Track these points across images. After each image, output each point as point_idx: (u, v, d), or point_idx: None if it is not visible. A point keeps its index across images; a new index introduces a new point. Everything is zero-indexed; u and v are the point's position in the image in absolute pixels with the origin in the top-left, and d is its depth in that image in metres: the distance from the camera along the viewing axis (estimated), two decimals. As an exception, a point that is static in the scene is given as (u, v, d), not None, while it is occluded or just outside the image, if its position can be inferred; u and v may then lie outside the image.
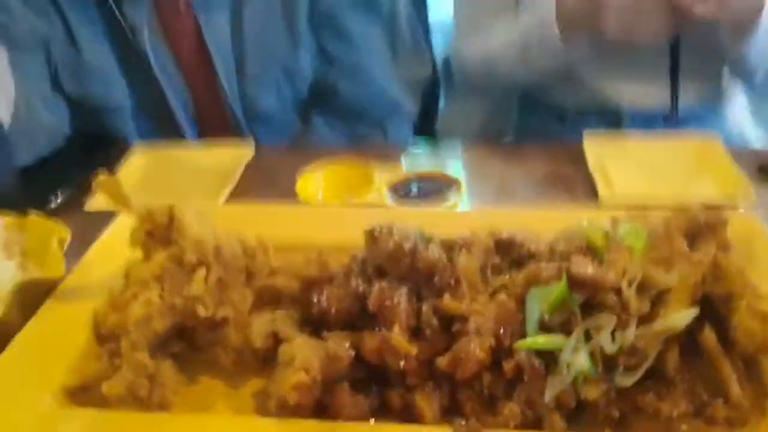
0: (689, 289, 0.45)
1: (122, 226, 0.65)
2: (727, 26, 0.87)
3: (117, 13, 0.91)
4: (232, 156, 0.86)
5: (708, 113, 1.09)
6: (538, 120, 1.14)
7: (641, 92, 1.01)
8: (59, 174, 0.86)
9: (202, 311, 0.50)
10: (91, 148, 0.95)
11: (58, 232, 0.63)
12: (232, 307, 0.52)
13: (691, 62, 0.97)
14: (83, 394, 0.50)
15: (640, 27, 0.86)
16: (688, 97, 1.02)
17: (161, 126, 0.98)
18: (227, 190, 0.79)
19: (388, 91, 1.04)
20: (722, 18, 0.84)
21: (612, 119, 1.06)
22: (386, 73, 1.03)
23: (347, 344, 0.48)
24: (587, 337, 0.44)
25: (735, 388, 0.45)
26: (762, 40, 0.87)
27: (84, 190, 0.83)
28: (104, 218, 0.74)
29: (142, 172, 0.85)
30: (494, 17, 1.06)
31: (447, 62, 1.26)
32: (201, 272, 0.50)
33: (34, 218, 0.65)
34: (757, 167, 0.79)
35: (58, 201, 0.82)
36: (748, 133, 1.14)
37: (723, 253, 0.51)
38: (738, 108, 1.16)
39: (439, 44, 1.72)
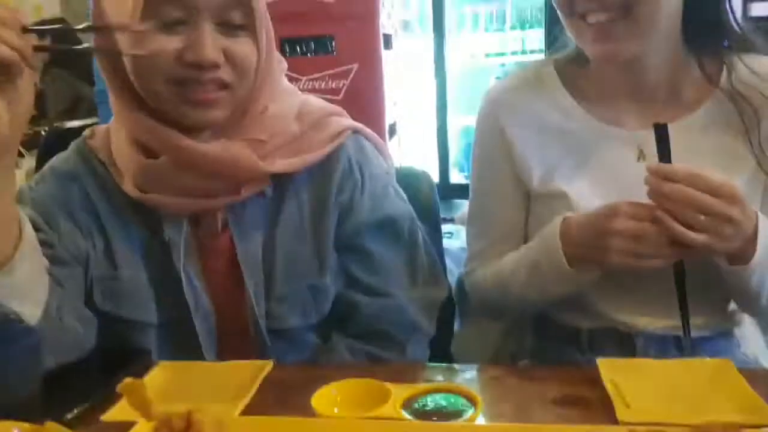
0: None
1: (137, 436, 0.66)
2: (723, 253, 0.92)
3: (156, 231, 0.99)
4: (250, 371, 0.87)
5: (719, 339, 1.10)
6: (553, 343, 1.16)
7: (651, 319, 1.04)
8: (78, 385, 0.87)
9: None
10: (110, 361, 0.96)
11: (74, 441, 0.63)
12: None
13: (697, 290, 1.01)
14: None
15: (642, 254, 0.92)
16: (697, 323, 1.05)
17: (182, 345, 1.00)
18: (243, 404, 0.80)
19: (407, 313, 1.07)
20: (718, 246, 0.89)
21: (626, 343, 1.08)
22: (405, 295, 1.07)
23: None
24: None
25: None
26: (759, 267, 0.92)
27: (101, 403, 0.85)
28: (120, 429, 0.75)
29: (161, 387, 0.85)
30: (507, 249, 1.13)
31: (460, 286, 1.31)
32: (215, 482, 0.50)
33: (51, 427, 0.66)
34: (775, 390, 0.79)
35: (75, 412, 0.82)
36: (762, 359, 1.14)
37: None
38: (750, 334, 1.18)
39: (453, 269, 1.80)
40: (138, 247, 1.00)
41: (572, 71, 1.13)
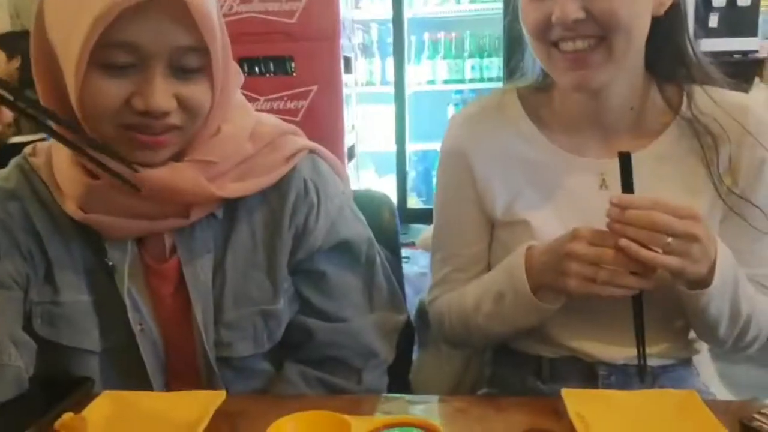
0: None
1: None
2: (691, 277, 0.91)
3: (100, 254, 0.94)
4: (202, 403, 0.83)
5: (679, 367, 1.10)
6: (514, 371, 1.14)
7: (612, 348, 1.03)
8: (14, 416, 0.81)
9: None
10: (50, 389, 0.90)
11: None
12: None
13: (658, 319, 1.00)
14: None
15: (600, 281, 0.90)
16: (656, 354, 1.05)
17: (127, 373, 0.95)
18: (194, 439, 0.75)
19: (363, 338, 1.03)
20: (689, 268, 0.89)
21: (588, 373, 1.07)
22: (362, 320, 1.04)
23: None
24: None
25: None
26: (719, 290, 0.92)
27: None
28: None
29: (105, 419, 0.80)
30: (470, 276, 1.11)
31: (420, 312, 1.29)
32: None
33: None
34: (738, 422, 0.78)
35: (10, 447, 0.76)
36: (712, 387, 1.14)
37: None
38: (705, 362, 1.18)
39: (411, 295, 1.77)
40: (81, 271, 0.95)
41: (535, 99, 1.12)
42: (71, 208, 0.93)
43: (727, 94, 1.06)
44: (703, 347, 1.13)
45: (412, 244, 3.37)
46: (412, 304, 1.37)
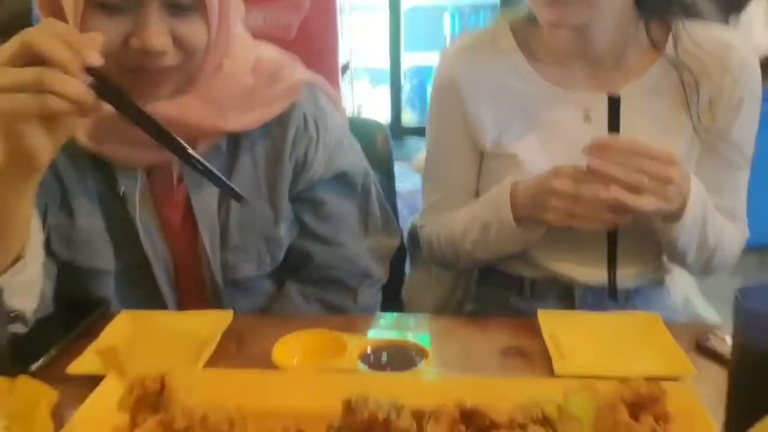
0: (633, 457, 0.51)
1: (106, 391, 0.69)
2: (658, 215, 0.98)
3: (112, 182, 0.99)
4: (211, 322, 0.91)
5: (651, 288, 1.19)
6: (498, 290, 1.23)
7: (588, 270, 1.11)
8: (38, 336, 0.89)
9: (186, 476, 0.53)
10: (72, 311, 0.98)
11: (47, 395, 0.66)
12: (214, 472, 0.55)
13: (631, 244, 1.08)
14: None
15: (577, 216, 0.97)
16: (630, 276, 1.13)
17: (142, 292, 1.03)
18: (206, 356, 0.83)
19: (359, 260, 1.11)
20: (665, 208, 0.95)
21: (565, 293, 1.16)
22: (358, 244, 1.12)
23: None
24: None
25: None
26: (689, 226, 0.99)
27: (65, 353, 0.87)
28: (86, 381, 0.77)
29: (124, 337, 0.88)
30: (459, 203, 1.18)
31: (412, 233, 1.36)
32: (188, 438, 0.54)
33: (24, 381, 0.68)
34: (695, 342, 0.87)
35: (39, 363, 0.84)
36: (694, 300, 1.24)
37: (662, 424, 0.57)
38: (678, 282, 1.27)
39: (405, 213, 1.84)
40: (94, 198, 1.00)
41: (526, 33, 1.15)
42: (83, 138, 0.97)
43: (713, 31, 1.09)
44: (675, 269, 1.21)
45: (407, 160, 3.42)
46: (405, 221, 1.44)
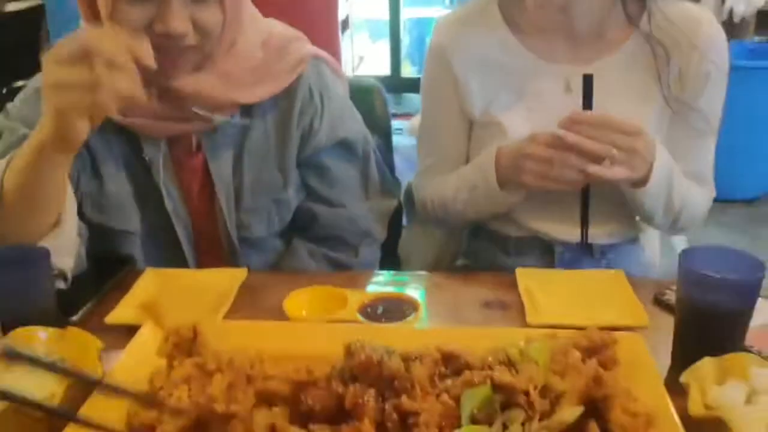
0: (578, 392, 0.63)
1: (144, 339, 0.81)
2: (626, 183, 1.09)
3: (137, 151, 1.10)
4: (229, 279, 1.03)
5: (626, 245, 1.30)
6: (486, 247, 1.35)
7: (566, 228, 1.22)
8: (81, 288, 1.01)
9: (217, 408, 0.65)
10: (103, 268, 1.09)
11: (94, 343, 0.78)
12: (239, 404, 0.67)
13: (605, 204, 1.19)
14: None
15: (551, 177, 1.07)
16: (604, 233, 1.24)
17: (165, 251, 1.15)
18: (225, 309, 0.95)
19: (360, 220, 1.22)
20: (633, 176, 1.06)
21: (546, 250, 1.28)
22: (359, 205, 1.23)
23: (328, 433, 0.63)
24: (504, 427, 0.61)
25: (613, 467, 0.62)
26: (654, 191, 1.09)
27: (99, 305, 0.99)
28: (121, 330, 0.90)
29: (151, 293, 1.00)
30: (451, 167, 1.28)
31: (409, 191, 1.47)
32: (218, 377, 0.66)
33: (73, 330, 0.81)
34: (653, 296, 0.99)
35: (79, 315, 0.96)
36: (656, 259, 1.35)
37: (607, 366, 0.69)
38: (652, 238, 1.38)
39: (403, 168, 1.94)
40: (121, 165, 1.11)
41: (512, 7, 1.23)
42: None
43: (684, 8, 1.17)
44: (648, 227, 1.32)
45: (405, 115, 3.49)
46: (404, 176, 1.54)
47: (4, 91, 3.49)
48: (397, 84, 3.81)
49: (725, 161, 3.73)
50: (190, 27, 0.98)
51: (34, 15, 3.62)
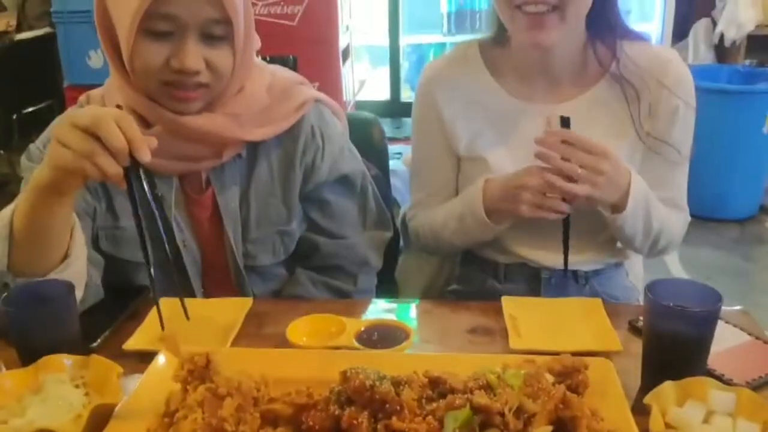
0: (548, 413, 0.71)
1: (160, 365, 0.89)
2: (604, 206, 1.17)
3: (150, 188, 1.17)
4: (235, 308, 1.11)
5: (609, 270, 1.38)
6: (477, 273, 1.43)
7: (552, 256, 1.30)
8: (99, 318, 1.09)
9: (228, 428, 0.73)
10: (117, 297, 1.17)
11: (115, 369, 0.86)
12: (247, 425, 0.75)
13: (589, 232, 1.27)
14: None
15: (545, 207, 1.16)
16: (587, 261, 1.32)
17: (174, 279, 1.22)
18: (232, 336, 1.03)
19: (359, 250, 1.30)
20: (596, 195, 1.13)
21: (533, 275, 1.36)
22: (358, 237, 1.31)
23: (327, 451, 0.71)
24: (482, 444, 0.69)
25: (580, 480, 0.69)
26: (631, 215, 1.17)
27: (116, 333, 1.07)
28: (137, 356, 0.98)
29: (165, 320, 1.08)
30: (440, 200, 1.37)
31: (404, 220, 1.55)
32: (229, 401, 0.74)
33: (95, 358, 0.89)
34: (628, 322, 1.07)
35: (98, 342, 1.04)
36: (638, 284, 1.43)
37: (578, 388, 0.77)
38: (636, 264, 1.46)
39: (404, 191, 2.01)
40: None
41: (493, 53, 1.33)
42: None
43: (652, 49, 1.27)
44: (632, 253, 1.40)
45: (405, 139, 3.59)
46: (404, 197, 1.61)
47: (15, 117, 3.61)
48: (397, 108, 3.92)
49: (717, 182, 3.87)
50: (203, 65, 1.07)
51: (45, 43, 3.74)
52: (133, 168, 0.91)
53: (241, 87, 1.17)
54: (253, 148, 1.22)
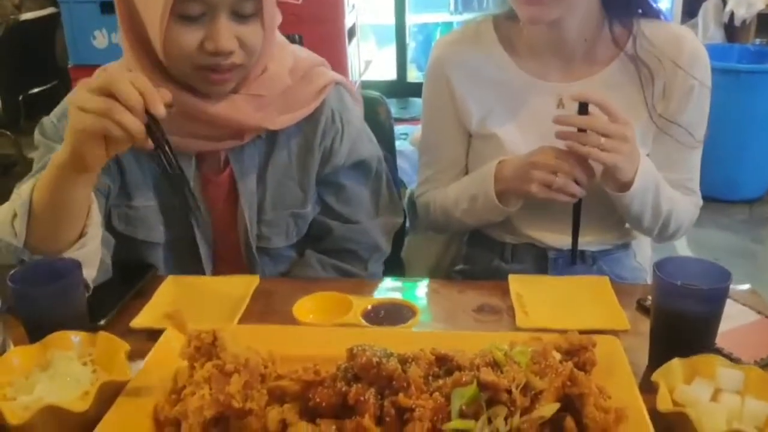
0: (555, 390, 0.71)
1: (167, 343, 0.89)
2: (617, 183, 1.16)
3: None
4: (243, 286, 1.11)
5: (617, 251, 1.38)
6: (483, 253, 1.43)
7: (559, 236, 1.30)
8: (106, 295, 1.08)
9: (235, 404, 0.73)
10: (126, 274, 1.17)
11: (122, 346, 0.86)
12: (254, 402, 0.75)
13: (597, 214, 1.26)
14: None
15: (557, 189, 1.15)
16: (595, 241, 1.31)
17: (184, 258, 1.22)
18: (240, 313, 1.04)
19: (370, 236, 1.30)
20: (620, 164, 1.11)
21: (540, 255, 1.35)
22: (370, 222, 1.30)
23: (334, 428, 0.71)
24: (489, 421, 0.68)
25: (587, 457, 0.69)
26: (640, 193, 1.16)
27: (123, 310, 1.08)
28: (144, 333, 0.98)
29: (172, 299, 1.09)
30: (450, 178, 1.36)
31: (412, 200, 1.55)
32: (236, 377, 0.74)
33: (102, 335, 0.89)
34: (636, 301, 1.06)
35: (106, 319, 1.05)
36: (646, 265, 1.42)
37: (586, 366, 0.77)
38: (643, 245, 1.45)
39: (409, 170, 2.00)
40: (150, 181, 1.19)
41: (507, 28, 1.31)
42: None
43: (668, 28, 1.25)
44: (640, 234, 1.39)
45: (411, 120, 3.56)
46: (410, 178, 1.60)
47: (21, 98, 3.61)
48: (403, 89, 3.89)
49: (726, 163, 3.84)
50: (236, 45, 1.05)
51: (49, 23, 3.72)
52: (153, 128, 0.91)
53: (264, 67, 1.15)
54: (273, 132, 1.20)
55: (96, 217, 1.06)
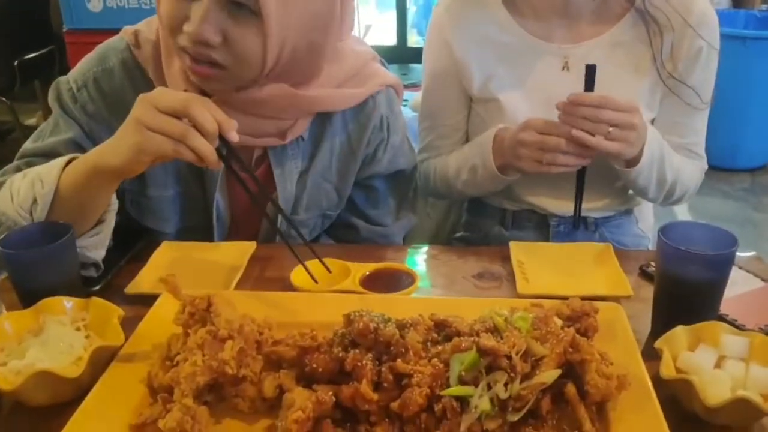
0: (556, 356, 0.69)
1: (162, 308, 0.88)
2: (618, 164, 1.13)
3: None
4: (239, 251, 1.09)
5: (620, 217, 1.36)
6: (484, 220, 1.41)
7: (561, 203, 1.28)
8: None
9: (229, 371, 0.71)
10: (121, 240, 1.15)
11: (115, 311, 0.85)
12: (249, 368, 0.74)
13: (600, 180, 1.24)
14: (144, 429, 0.71)
15: (545, 161, 1.11)
16: (597, 207, 1.29)
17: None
18: (236, 279, 1.02)
19: (393, 238, 1.27)
20: (627, 151, 1.09)
21: (541, 222, 1.33)
22: (394, 225, 1.27)
23: (330, 393, 0.70)
24: (489, 387, 0.67)
25: (587, 425, 0.68)
26: (645, 168, 1.14)
27: (118, 276, 1.06)
28: (138, 299, 0.96)
29: (167, 264, 1.07)
30: (450, 144, 1.33)
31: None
32: (230, 343, 0.73)
33: (95, 300, 0.87)
34: (639, 267, 1.04)
35: (100, 285, 1.03)
36: (649, 232, 1.41)
37: (588, 332, 0.75)
38: (646, 212, 1.44)
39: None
40: (170, 170, 1.13)
41: None
42: None
43: None
44: (643, 201, 1.37)
45: (411, 86, 3.51)
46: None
47: (16, 63, 3.56)
48: (404, 54, 3.82)
49: (729, 130, 3.80)
50: (218, 39, 0.92)
51: (44, -11, 3.65)
52: (221, 150, 0.91)
53: (319, 70, 1.07)
54: (319, 126, 1.15)
55: (114, 204, 1.04)
